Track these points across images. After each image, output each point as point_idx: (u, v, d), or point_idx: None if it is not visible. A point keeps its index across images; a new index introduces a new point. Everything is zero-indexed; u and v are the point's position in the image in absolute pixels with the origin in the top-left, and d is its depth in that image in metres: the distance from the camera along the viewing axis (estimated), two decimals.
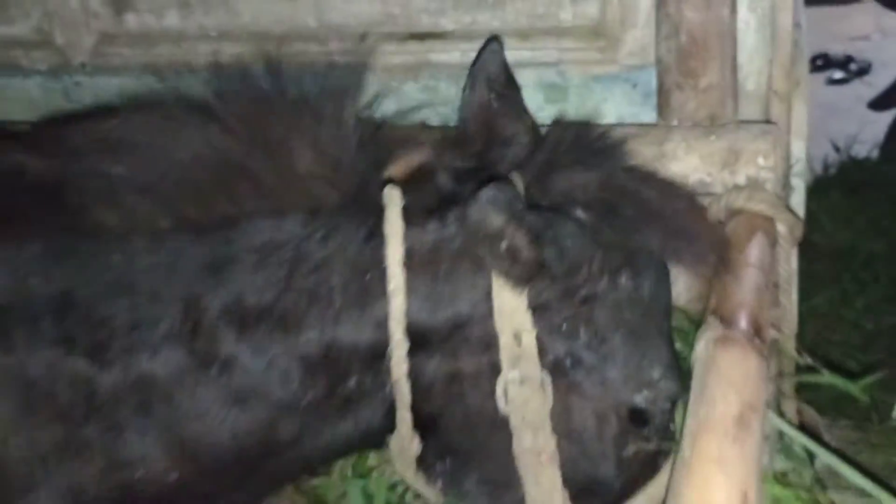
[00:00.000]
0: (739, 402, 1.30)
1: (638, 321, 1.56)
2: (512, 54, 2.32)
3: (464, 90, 1.77)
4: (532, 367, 1.50)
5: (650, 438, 1.61)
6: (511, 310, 1.49)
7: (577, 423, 1.57)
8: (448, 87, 2.35)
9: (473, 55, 2.30)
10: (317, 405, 1.55)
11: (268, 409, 1.53)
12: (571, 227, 1.52)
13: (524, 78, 1.95)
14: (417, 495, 1.93)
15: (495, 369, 1.52)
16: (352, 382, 1.55)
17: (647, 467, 1.63)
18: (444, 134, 1.79)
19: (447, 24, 2.40)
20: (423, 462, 1.65)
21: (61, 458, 1.50)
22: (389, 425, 1.60)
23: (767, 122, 2.06)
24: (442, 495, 1.68)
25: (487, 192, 1.37)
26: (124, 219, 1.49)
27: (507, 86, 1.75)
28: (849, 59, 9.69)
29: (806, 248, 2.18)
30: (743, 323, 1.52)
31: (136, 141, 1.52)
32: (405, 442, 1.60)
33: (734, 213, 1.87)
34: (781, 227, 1.88)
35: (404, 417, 1.56)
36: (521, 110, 1.75)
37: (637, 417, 1.57)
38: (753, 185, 1.91)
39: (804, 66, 2.28)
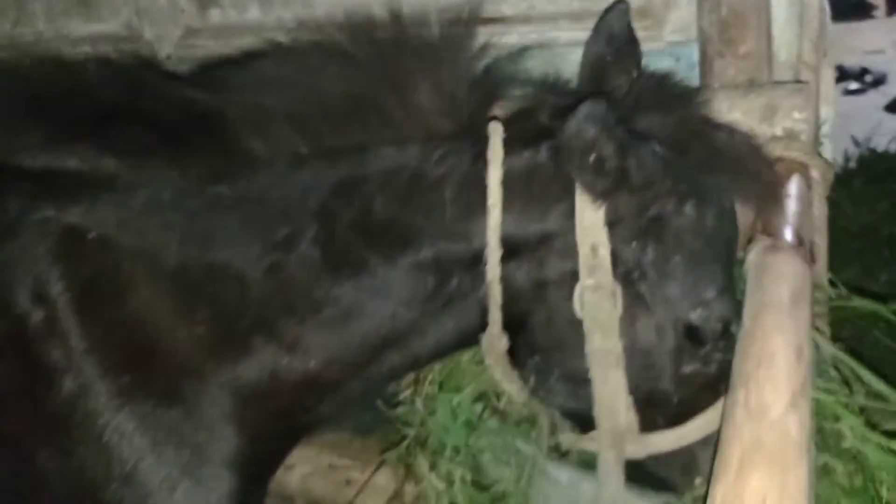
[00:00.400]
0: (790, 288, 1.55)
1: (699, 246, 1.78)
2: (566, 35, 2.64)
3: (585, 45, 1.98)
4: (605, 276, 1.73)
5: (707, 361, 1.81)
6: (590, 225, 1.72)
7: (641, 334, 1.79)
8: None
9: (531, 37, 2.63)
10: (426, 303, 1.79)
11: (388, 306, 1.79)
12: (650, 150, 1.74)
13: (578, 56, 2.21)
14: (496, 411, 2.19)
15: (574, 277, 1.76)
16: (454, 284, 1.79)
17: (705, 391, 1.82)
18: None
19: (507, 9, 2.70)
20: (515, 359, 1.89)
21: (222, 352, 1.76)
22: (482, 324, 1.84)
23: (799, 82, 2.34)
24: (531, 391, 1.91)
25: (585, 107, 1.61)
26: (271, 145, 1.75)
27: (627, 44, 1.95)
28: (864, 71, 9.94)
29: (832, 230, 2.38)
30: (788, 235, 1.78)
31: (286, 77, 1.77)
32: (495, 339, 1.84)
33: (773, 160, 2.13)
34: (815, 172, 2.13)
35: (495, 317, 1.80)
36: (632, 67, 1.95)
37: (692, 335, 1.78)
38: (790, 135, 2.16)
39: (828, 41, 2.55)
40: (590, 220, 1.72)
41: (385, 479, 2.69)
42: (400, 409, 2.34)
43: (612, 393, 1.80)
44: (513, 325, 1.83)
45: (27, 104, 1.80)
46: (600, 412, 1.81)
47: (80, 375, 1.72)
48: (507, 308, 1.80)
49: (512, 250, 1.77)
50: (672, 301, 1.76)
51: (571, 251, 1.75)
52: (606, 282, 1.73)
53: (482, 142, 1.76)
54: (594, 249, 1.73)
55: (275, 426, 1.88)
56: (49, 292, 1.73)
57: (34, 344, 1.72)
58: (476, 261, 1.77)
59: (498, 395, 2.20)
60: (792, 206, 1.90)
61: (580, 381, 1.83)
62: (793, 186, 1.99)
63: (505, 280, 1.77)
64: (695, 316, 1.75)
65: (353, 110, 1.75)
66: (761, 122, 2.20)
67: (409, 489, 2.52)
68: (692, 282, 1.76)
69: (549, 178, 1.76)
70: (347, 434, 2.90)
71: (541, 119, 1.83)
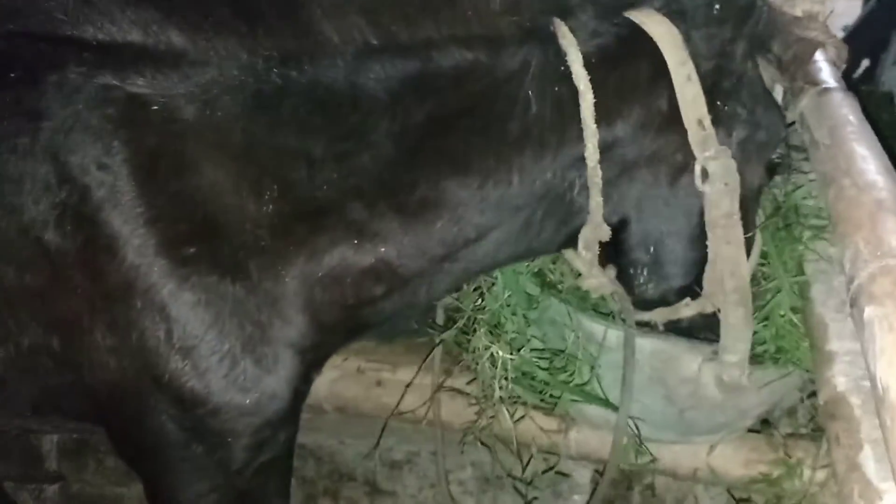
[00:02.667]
0: (852, 112, 1.72)
1: (765, 95, 1.93)
2: None
3: None
4: (715, 144, 1.80)
5: None
6: (693, 98, 1.78)
7: (748, 184, 1.89)
8: None
9: None
10: (509, 199, 1.81)
11: (467, 201, 1.79)
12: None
13: None
14: (552, 286, 2.27)
15: (681, 153, 1.82)
16: (545, 178, 1.81)
17: None
18: None
19: None
20: (624, 256, 1.95)
21: (289, 232, 1.75)
22: (574, 222, 1.89)
23: None
24: (639, 284, 1.97)
25: None
26: (343, 33, 1.72)
27: None
28: None
29: None
30: (833, 82, 1.95)
31: None
32: (597, 228, 1.87)
33: (795, 39, 2.29)
34: (831, 50, 2.30)
35: (596, 203, 1.84)
36: None
37: (772, 172, 1.96)
38: (809, 16, 2.33)
39: None
40: (691, 93, 1.78)
41: (420, 378, 2.73)
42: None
43: (734, 252, 1.88)
44: (613, 215, 1.88)
45: None
46: (724, 274, 1.89)
47: (143, 245, 1.67)
48: (607, 196, 1.84)
49: (607, 135, 1.80)
50: (762, 146, 1.89)
51: (674, 128, 1.81)
52: (720, 150, 1.81)
53: (550, 39, 1.78)
54: (700, 122, 1.79)
55: (339, 314, 1.86)
56: (113, 159, 1.66)
57: (97, 212, 1.66)
58: (564, 150, 1.80)
59: (552, 271, 2.29)
60: (824, 62, 2.07)
61: (694, 260, 1.92)
62: (818, 54, 2.16)
63: (603, 165, 1.81)
64: (775, 154, 1.91)
65: (425, 6, 1.74)
66: (784, 3, 2.36)
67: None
68: (770, 124, 1.89)
69: (634, 61, 1.81)
70: (371, 341, 2.92)
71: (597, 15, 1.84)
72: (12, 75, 1.70)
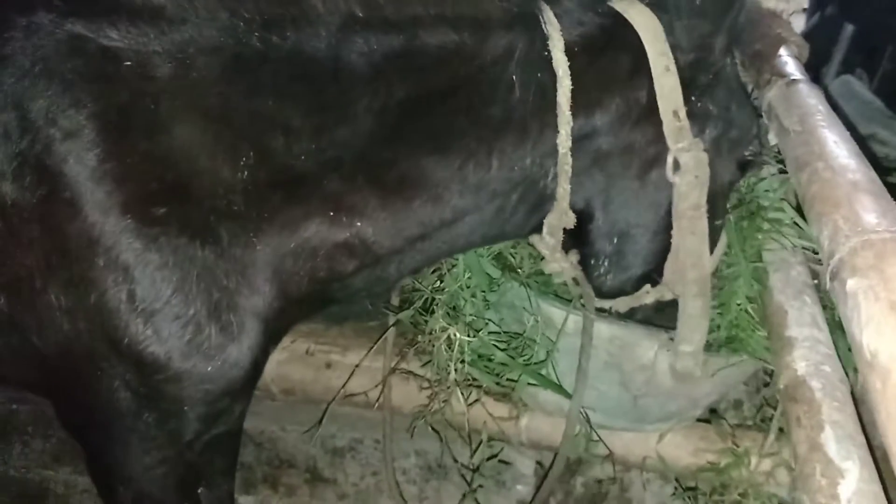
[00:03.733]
0: (819, 103, 1.78)
1: (739, 91, 1.95)
2: None
3: None
4: (689, 137, 1.82)
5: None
6: (670, 90, 1.79)
7: (718, 178, 1.92)
8: None
9: None
10: (484, 182, 1.79)
11: (443, 182, 1.77)
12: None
13: None
14: (511, 270, 2.25)
15: (653, 144, 1.83)
16: (518, 162, 1.80)
17: None
18: None
19: None
20: (588, 245, 1.95)
21: (263, 200, 1.69)
22: (541, 208, 1.88)
23: None
24: (602, 272, 1.98)
25: None
26: (329, 3, 1.68)
27: None
28: None
29: None
30: (798, 74, 2.00)
31: None
32: (563, 214, 1.87)
33: (760, 35, 2.33)
34: (793, 47, 2.35)
35: (563, 190, 1.84)
36: None
37: (743, 168, 1.98)
38: (773, 14, 2.37)
39: None
40: (668, 85, 1.79)
41: (370, 361, 2.69)
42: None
43: (698, 243, 1.90)
44: (581, 202, 1.88)
45: None
46: (685, 265, 1.91)
47: (110, 202, 1.59)
48: (576, 184, 1.84)
49: (582, 123, 1.80)
50: (734, 141, 1.92)
51: (650, 120, 1.82)
52: (693, 142, 1.83)
53: (535, 25, 1.78)
54: (676, 113, 1.81)
55: (307, 287, 1.81)
56: (81, 112, 1.58)
57: (61, 165, 1.57)
58: (543, 137, 1.80)
59: (513, 255, 2.27)
60: (786, 56, 2.12)
61: (659, 251, 1.93)
62: (783, 49, 2.21)
63: (576, 153, 1.81)
64: (747, 151, 1.93)
65: None
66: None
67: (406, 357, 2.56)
68: (743, 120, 1.92)
69: (615, 50, 1.82)
70: (321, 323, 2.86)
71: (581, 4, 1.85)
72: None
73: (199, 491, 2.23)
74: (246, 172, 1.67)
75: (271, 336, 1.83)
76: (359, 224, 1.76)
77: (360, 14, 1.70)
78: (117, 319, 1.63)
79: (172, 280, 1.63)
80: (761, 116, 2.05)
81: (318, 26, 1.68)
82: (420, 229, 1.82)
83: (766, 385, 2.51)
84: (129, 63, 1.61)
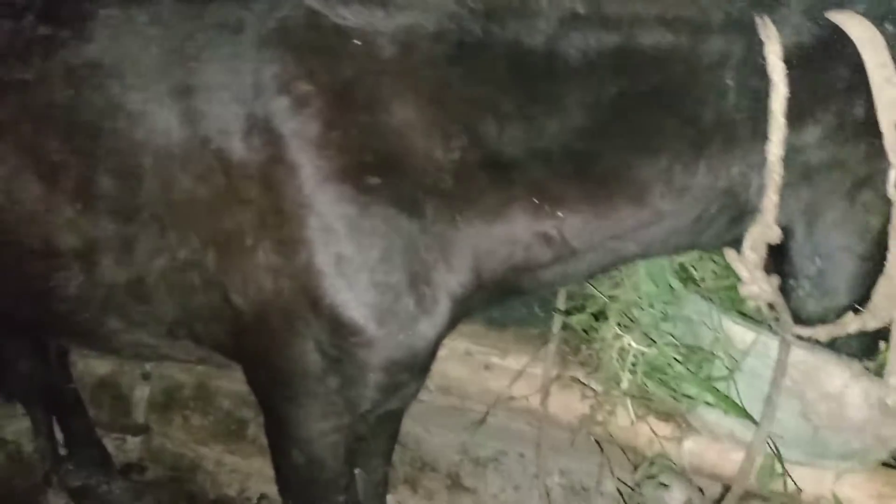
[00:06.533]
0: None
1: None
2: None
3: None
4: None
5: None
6: (891, 103, 1.70)
7: None
8: None
9: None
10: (690, 186, 1.75)
11: (649, 183, 1.74)
12: None
13: None
14: (693, 282, 2.19)
15: (870, 161, 1.74)
16: (726, 169, 1.75)
17: None
18: None
19: None
20: (788, 265, 1.86)
21: (470, 182, 1.74)
22: (744, 218, 1.81)
23: None
24: (801, 298, 1.87)
25: None
26: (552, 0, 1.71)
27: None
28: None
29: None
30: None
31: None
32: (768, 228, 1.80)
33: None
34: None
35: (771, 202, 1.76)
36: None
37: None
38: None
39: None
40: (889, 97, 1.71)
41: (530, 367, 2.67)
42: None
43: None
44: (784, 218, 1.80)
45: None
46: None
47: (329, 168, 1.67)
48: (782, 198, 1.77)
49: (794, 133, 1.74)
50: None
51: (866, 136, 1.74)
52: None
53: (753, 31, 1.74)
54: None
55: (501, 272, 1.83)
56: (309, 82, 1.68)
57: (288, 129, 1.67)
58: (752, 145, 1.74)
59: (695, 266, 2.21)
60: None
61: (865, 271, 1.82)
62: None
63: (787, 166, 1.74)
64: None
65: None
66: None
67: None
68: None
69: (832, 60, 1.75)
70: (482, 324, 2.87)
71: (800, 13, 1.79)
72: None
73: (356, 472, 2.28)
74: (457, 153, 1.72)
75: (455, 317, 1.85)
76: (560, 215, 1.76)
77: (581, 11, 1.72)
78: (322, 280, 1.70)
79: (379, 248, 1.69)
80: None
81: (538, 19, 1.71)
82: (618, 228, 1.80)
83: None
84: (357, 41, 1.70)
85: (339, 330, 1.73)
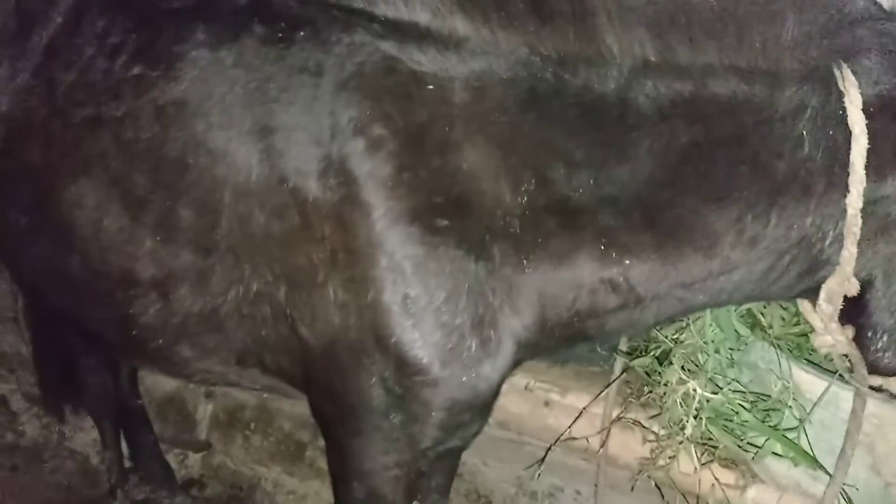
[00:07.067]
0: None
1: None
2: None
3: None
4: None
5: None
6: None
7: None
8: None
9: None
10: (763, 237, 1.72)
11: (721, 233, 1.72)
12: None
13: None
14: (762, 330, 2.16)
15: None
16: (800, 221, 1.72)
17: None
18: None
19: None
20: (865, 317, 1.81)
21: (537, 225, 1.74)
22: (818, 271, 1.77)
23: None
24: (877, 351, 1.82)
25: None
26: (625, 47, 1.71)
27: None
28: None
29: None
30: None
31: None
32: (844, 282, 1.75)
33: None
34: None
35: (849, 253, 1.72)
36: None
37: None
38: None
39: None
40: None
41: (591, 406, 2.65)
42: None
43: None
44: (861, 271, 1.76)
45: None
46: None
47: (400, 209, 1.71)
48: (860, 251, 1.72)
49: (874, 185, 1.69)
50: None
51: None
52: None
53: (832, 81, 1.70)
54: None
55: (565, 317, 1.82)
56: (387, 126, 1.72)
57: (362, 171, 1.71)
58: (828, 196, 1.71)
59: (763, 313, 2.18)
60: None
61: None
62: None
63: (865, 218, 1.70)
64: None
65: (714, 31, 1.70)
66: None
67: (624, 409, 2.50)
68: None
69: None
70: (543, 360, 2.86)
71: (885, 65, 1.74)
72: (301, 34, 1.79)
73: None
74: (525, 198, 1.73)
75: (519, 361, 1.86)
76: (627, 262, 1.76)
77: (654, 59, 1.71)
78: (389, 319, 1.73)
79: (446, 289, 1.71)
80: None
81: (610, 67, 1.71)
82: (686, 277, 1.78)
83: None
84: (431, 87, 1.73)
85: (404, 368, 1.76)
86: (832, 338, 1.86)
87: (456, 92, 1.74)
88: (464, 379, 1.76)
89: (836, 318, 1.84)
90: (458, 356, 1.75)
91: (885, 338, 1.82)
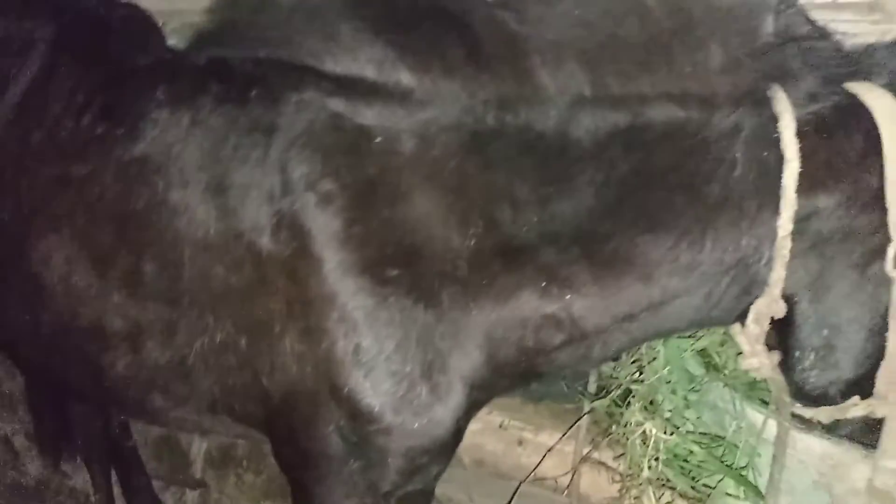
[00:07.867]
0: None
1: None
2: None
3: None
4: None
5: None
6: None
7: None
8: None
9: None
10: (700, 263, 1.74)
11: (661, 261, 1.74)
12: None
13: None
14: (716, 369, 2.19)
15: (882, 232, 1.70)
16: (735, 245, 1.73)
17: None
18: None
19: None
20: (793, 337, 1.81)
21: (485, 268, 1.79)
22: (750, 294, 1.78)
23: None
24: (804, 367, 1.82)
25: None
26: (559, 83, 1.75)
27: None
28: None
29: None
30: None
31: (588, 18, 1.76)
32: (771, 304, 1.77)
33: None
34: None
35: (778, 276, 1.74)
36: None
37: None
38: None
39: None
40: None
41: (562, 444, 2.69)
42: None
43: None
44: (791, 289, 1.77)
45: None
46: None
47: (351, 261, 1.77)
48: (790, 270, 1.74)
49: (805, 205, 1.72)
50: None
51: (877, 204, 1.71)
52: None
53: (765, 103, 1.73)
54: None
55: (514, 356, 1.87)
56: (336, 181, 1.79)
57: (314, 225, 1.77)
58: (761, 218, 1.73)
59: (718, 353, 2.22)
60: None
61: (870, 348, 1.78)
62: None
63: (794, 236, 1.72)
64: None
65: (644, 60, 1.74)
66: None
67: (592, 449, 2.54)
68: None
69: (847, 132, 1.74)
70: (517, 398, 2.91)
71: (816, 83, 1.77)
72: (254, 92, 1.88)
73: None
74: (473, 240, 1.78)
75: (473, 402, 1.90)
76: (568, 297, 1.79)
77: (588, 93, 1.75)
78: (342, 369, 1.79)
79: (395, 338, 1.77)
80: None
81: (548, 105, 1.75)
82: (628, 308, 1.81)
83: None
84: (379, 139, 1.80)
85: (358, 417, 1.81)
86: (758, 360, 1.87)
87: (403, 143, 1.79)
88: (416, 425, 1.81)
89: (762, 341, 1.84)
90: (409, 403, 1.80)
91: (811, 356, 1.82)
